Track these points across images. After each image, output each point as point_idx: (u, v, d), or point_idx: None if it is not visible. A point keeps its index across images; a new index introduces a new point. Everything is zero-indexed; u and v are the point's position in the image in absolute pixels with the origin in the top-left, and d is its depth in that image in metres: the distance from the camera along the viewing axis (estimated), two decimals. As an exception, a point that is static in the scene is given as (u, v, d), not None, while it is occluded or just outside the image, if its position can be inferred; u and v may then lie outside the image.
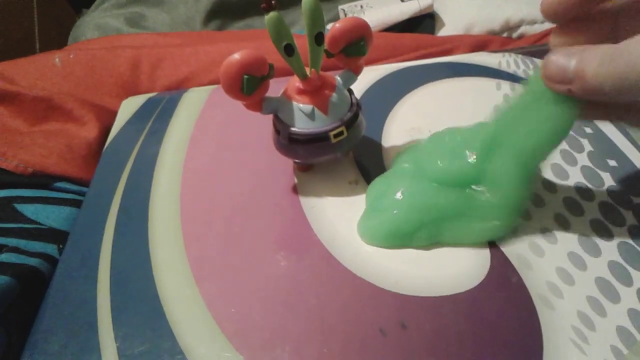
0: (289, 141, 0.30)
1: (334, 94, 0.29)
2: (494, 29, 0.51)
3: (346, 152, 0.33)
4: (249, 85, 0.27)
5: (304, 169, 0.35)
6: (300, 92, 0.29)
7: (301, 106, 0.29)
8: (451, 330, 0.25)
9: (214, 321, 0.27)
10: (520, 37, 0.51)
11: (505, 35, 0.51)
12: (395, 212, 0.29)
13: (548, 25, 0.50)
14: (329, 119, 0.29)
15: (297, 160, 0.34)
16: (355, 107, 0.31)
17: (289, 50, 0.27)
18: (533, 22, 0.50)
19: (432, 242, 0.28)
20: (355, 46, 0.28)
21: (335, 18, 0.62)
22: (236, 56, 0.26)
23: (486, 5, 0.52)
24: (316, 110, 0.29)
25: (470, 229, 0.28)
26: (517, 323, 0.25)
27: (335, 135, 0.30)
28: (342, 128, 0.30)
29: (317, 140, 0.30)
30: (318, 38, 0.27)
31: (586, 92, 0.22)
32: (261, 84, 0.28)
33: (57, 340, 0.27)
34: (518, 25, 0.51)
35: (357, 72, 0.31)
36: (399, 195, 0.29)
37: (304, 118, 0.29)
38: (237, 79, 0.26)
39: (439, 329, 0.25)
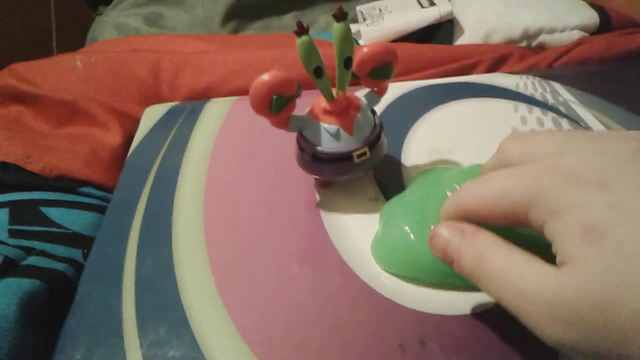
0: (312, 159, 0.31)
1: (359, 115, 0.30)
2: (513, 37, 0.51)
3: (367, 171, 0.34)
4: (277, 104, 0.28)
5: (324, 185, 0.35)
6: (326, 112, 0.30)
7: (327, 126, 0.30)
8: (471, 348, 0.26)
9: (237, 331, 0.27)
10: (540, 45, 0.51)
11: (524, 43, 0.51)
12: (402, 247, 0.29)
13: (567, 34, 0.50)
14: (353, 140, 0.30)
15: (318, 177, 0.35)
16: (379, 128, 0.32)
17: (318, 72, 0.28)
18: (552, 31, 0.50)
19: (441, 283, 0.28)
20: (382, 70, 0.29)
21: (353, 19, 0.62)
22: (266, 77, 0.27)
23: (505, 12, 0.53)
24: (341, 130, 0.30)
25: None
26: (536, 341, 0.25)
27: (359, 156, 0.30)
28: (366, 149, 0.30)
29: (340, 160, 0.31)
30: (347, 62, 0.28)
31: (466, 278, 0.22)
32: (289, 103, 0.29)
33: (83, 346, 0.28)
34: (538, 34, 0.51)
35: (380, 94, 0.32)
36: (407, 230, 0.29)
37: (329, 138, 0.30)
38: (266, 99, 0.27)
39: (459, 346, 0.26)
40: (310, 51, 0.27)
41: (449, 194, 0.29)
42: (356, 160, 0.30)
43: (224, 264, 0.31)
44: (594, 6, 0.52)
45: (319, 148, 0.30)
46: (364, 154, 0.30)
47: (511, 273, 0.19)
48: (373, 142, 0.31)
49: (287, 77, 0.27)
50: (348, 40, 0.27)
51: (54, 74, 0.49)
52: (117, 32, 0.69)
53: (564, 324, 0.17)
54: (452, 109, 0.41)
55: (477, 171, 0.31)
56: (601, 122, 0.37)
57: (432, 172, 0.33)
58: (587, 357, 0.18)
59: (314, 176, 0.35)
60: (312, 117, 0.31)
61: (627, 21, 0.52)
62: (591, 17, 0.51)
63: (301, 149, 0.32)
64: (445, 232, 0.23)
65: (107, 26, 0.71)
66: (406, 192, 0.33)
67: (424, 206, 0.30)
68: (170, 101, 0.47)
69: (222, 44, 0.57)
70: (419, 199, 0.31)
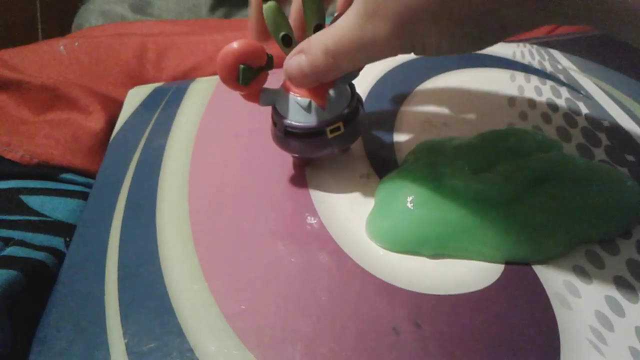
0: (284, 134, 0.30)
1: (333, 88, 0.29)
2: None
3: (344, 149, 0.32)
4: (244, 75, 0.26)
5: (301, 163, 0.34)
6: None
7: (298, 99, 0.28)
8: (466, 329, 0.24)
9: (223, 318, 0.26)
10: None
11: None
12: (404, 219, 0.28)
13: None
14: (326, 114, 0.29)
15: (293, 155, 0.33)
16: (355, 102, 0.30)
17: (286, 40, 0.27)
18: None
19: (443, 254, 0.28)
20: None
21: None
22: (234, 45, 0.25)
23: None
24: (313, 103, 0.28)
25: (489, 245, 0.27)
26: (533, 322, 0.24)
27: (332, 131, 0.29)
28: (340, 124, 0.29)
29: (312, 135, 0.29)
30: (317, 30, 0.26)
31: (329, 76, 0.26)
32: (258, 74, 0.27)
33: (65, 336, 0.27)
34: None
35: (360, 68, 0.30)
36: (409, 201, 0.28)
37: (301, 111, 0.29)
38: (233, 69, 0.26)
39: (454, 328, 0.24)
40: (276, 17, 0.26)
41: (459, 163, 0.28)
42: (329, 136, 0.29)
43: (210, 248, 0.30)
44: None
45: (290, 122, 0.29)
46: (338, 128, 0.29)
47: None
48: (348, 117, 0.29)
49: (256, 46, 0.26)
50: (318, 5, 0.26)
51: (36, 59, 0.48)
52: (103, 19, 0.68)
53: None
54: (446, 80, 0.39)
55: (483, 141, 0.30)
56: (602, 89, 0.36)
57: (433, 143, 0.32)
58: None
59: (290, 154, 0.33)
60: (284, 90, 0.29)
61: None
62: None
63: (274, 123, 0.30)
64: (290, 62, 0.26)
65: (93, 13, 0.70)
66: (406, 165, 0.32)
67: (431, 174, 0.29)
68: (156, 82, 0.46)
69: (210, 27, 0.56)
70: (425, 169, 0.30)
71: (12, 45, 0.50)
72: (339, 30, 0.23)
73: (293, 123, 0.29)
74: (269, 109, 0.30)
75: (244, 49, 0.25)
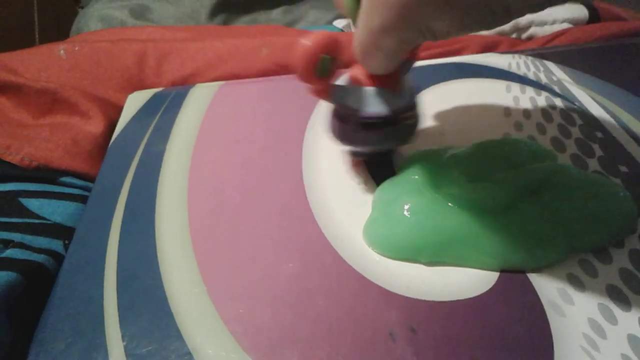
0: (358, 128, 0.30)
1: (403, 78, 0.29)
2: (503, 29, 0.51)
3: (412, 137, 0.32)
4: (325, 66, 0.26)
5: (359, 162, 0.34)
6: (369, 76, 0.29)
7: (370, 89, 0.28)
8: (461, 335, 0.25)
9: (222, 321, 0.27)
10: (530, 38, 0.51)
11: (514, 36, 0.51)
12: (401, 227, 0.28)
13: (557, 27, 0.50)
14: (399, 101, 0.29)
15: (365, 150, 0.33)
16: (415, 94, 0.31)
17: None
18: (543, 24, 0.50)
19: (439, 261, 0.28)
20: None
21: (342, 14, 0.61)
22: (313, 37, 0.25)
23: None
24: (385, 91, 0.28)
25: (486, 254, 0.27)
26: (527, 329, 0.25)
27: (406, 118, 0.30)
28: (413, 112, 0.30)
29: (388, 125, 0.29)
30: None
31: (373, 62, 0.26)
32: (334, 68, 0.27)
33: (64, 338, 0.27)
34: (528, 26, 0.51)
35: (413, 58, 0.30)
36: (406, 209, 0.29)
37: (374, 101, 0.28)
38: (314, 60, 0.25)
39: (449, 333, 0.25)
40: (356, 5, 0.25)
41: (456, 172, 0.28)
42: (405, 123, 0.30)
43: (208, 252, 0.30)
44: (582, 2, 0.53)
45: (365, 115, 0.29)
46: (412, 116, 0.30)
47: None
48: (415, 106, 0.30)
49: (336, 38, 0.26)
50: None
51: (36, 63, 0.48)
52: (102, 24, 0.68)
53: None
54: (442, 90, 0.40)
55: (479, 150, 0.30)
56: (596, 101, 0.37)
57: (430, 152, 0.32)
58: None
59: (354, 148, 0.33)
60: (354, 83, 0.29)
61: (614, 16, 0.52)
62: (581, 12, 0.52)
63: (342, 119, 0.30)
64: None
65: (92, 18, 0.70)
66: (403, 173, 0.32)
67: (428, 184, 0.29)
68: (155, 88, 0.46)
69: (209, 34, 0.56)
70: (422, 178, 0.30)
71: (9, 49, 0.50)
72: (359, 20, 0.24)
73: (368, 114, 0.29)
74: (270, 116, 0.30)
75: (328, 39, 0.25)
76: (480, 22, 0.22)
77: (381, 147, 0.32)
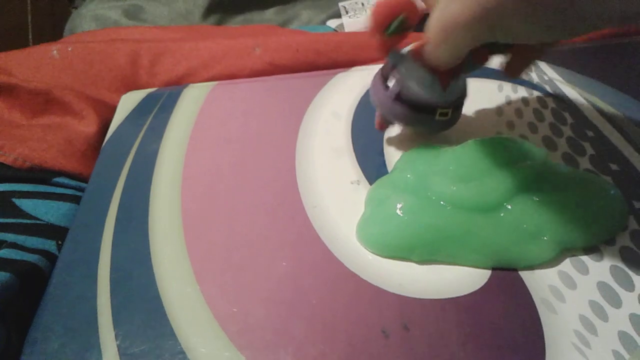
0: (394, 98, 0.30)
1: (460, 75, 0.30)
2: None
3: (436, 133, 0.34)
4: (399, 26, 0.27)
5: (383, 126, 0.35)
6: None
7: (425, 72, 0.29)
8: (453, 332, 0.25)
9: (215, 321, 0.27)
10: None
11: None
12: (393, 226, 0.28)
13: None
14: (443, 95, 0.29)
15: (389, 118, 0.33)
16: (465, 96, 0.31)
17: None
18: None
19: (432, 259, 0.28)
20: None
21: (336, 14, 0.61)
22: None
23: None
24: (436, 81, 0.29)
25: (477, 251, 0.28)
26: (519, 326, 0.25)
27: (441, 114, 0.30)
28: (450, 110, 0.30)
29: (421, 110, 0.30)
30: None
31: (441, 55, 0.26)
32: (404, 32, 0.28)
33: (57, 338, 0.27)
34: None
35: (476, 61, 0.30)
36: (398, 209, 0.29)
37: (422, 83, 0.29)
38: (391, 15, 0.26)
39: (441, 331, 0.25)
40: None
41: (448, 171, 0.29)
42: (437, 117, 0.30)
43: (202, 252, 0.30)
44: None
45: (407, 90, 0.29)
46: (446, 114, 0.30)
47: None
48: (458, 107, 0.31)
49: (416, 5, 0.26)
50: None
51: (29, 64, 0.48)
52: (95, 25, 0.68)
53: None
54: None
55: (471, 149, 0.30)
56: (586, 99, 0.37)
57: (422, 151, 0.32)
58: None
59: (382, 112, 0.33)
60: (412, 57, 0.29)
61: None
62: None
63: (384, 82, 0.31)
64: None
65: (85, 18, 0.70)
66: (395, 172, 0.32)
67: (420, 182, 0.29)
68: (149, 88, 0.46)
69: (202, 33, 0.56)
70: (414, 177, 0.30)
71: (2, 50, 0.50)
72: (434, 11, 0.24)
73: (410, 91, 0.29)
74: (263, 115, 0.30)
75: (408, 2, 0.26)
76: (556, 30, 0.22)
77: (408, 127, 0.33)
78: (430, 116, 0.30)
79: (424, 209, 0.28)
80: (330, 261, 0.29)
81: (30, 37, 0.86)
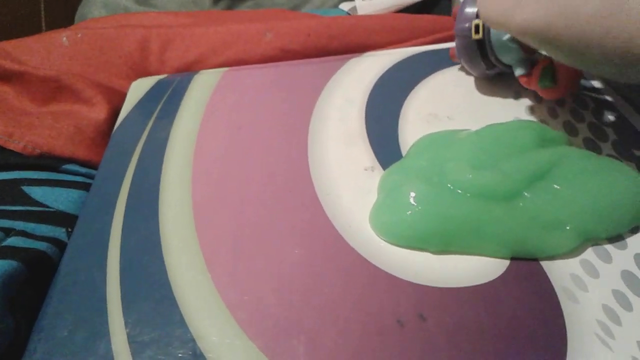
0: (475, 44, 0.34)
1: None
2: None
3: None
4: None
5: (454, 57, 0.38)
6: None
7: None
8: (471, 322, 0.24)
9: (226, 308, 0.26)
10: None
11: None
12: (407, 216, 0.27)
13: None
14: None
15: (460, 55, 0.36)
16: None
17: None
18: None
19: (447, 250, 0.27)
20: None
21: (340, 1, 0.61)
22: None
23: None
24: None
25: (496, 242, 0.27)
26: (539, 316, 0.24)
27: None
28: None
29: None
30: None
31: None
32: None
33: (66, 325, 0.27)
34: None
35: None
36: (412, 197, 0.28)
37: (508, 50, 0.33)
38: None
39: (459, 320, 0.24)
40: None
41: (463, 158, 0.28)
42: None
43: (212, 239, 0.30)
44: None
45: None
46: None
47: None
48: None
49: None
50: None
51: (39, 51, 0.48)
52: (105, 11, 0.68)
53: None
54: (450, 75, 0.39)
55: (486, 135, 0.29)
56: (610, 84, 0.36)
57: (437, 136, 0.31)
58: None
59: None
60: None
61: None
62: None
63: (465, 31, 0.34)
64: None
65: (95, 5, 0.69)
66: (409, 158, 0.31)
67: (435, 169, 0.29)
68: (159, 74, 0.46)
69: (213, 19, 0.55)
70: (428, 163, 0.29)
71: (16, 37, 0.50)
72: None
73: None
74: (274, 102, 0.30)
75: None
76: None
77: (468, 68, 0.36)
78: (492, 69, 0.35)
79: (438, 197, 0.27)
80: (343, 249, 0.28)
81: (43, 24, 0.86)
